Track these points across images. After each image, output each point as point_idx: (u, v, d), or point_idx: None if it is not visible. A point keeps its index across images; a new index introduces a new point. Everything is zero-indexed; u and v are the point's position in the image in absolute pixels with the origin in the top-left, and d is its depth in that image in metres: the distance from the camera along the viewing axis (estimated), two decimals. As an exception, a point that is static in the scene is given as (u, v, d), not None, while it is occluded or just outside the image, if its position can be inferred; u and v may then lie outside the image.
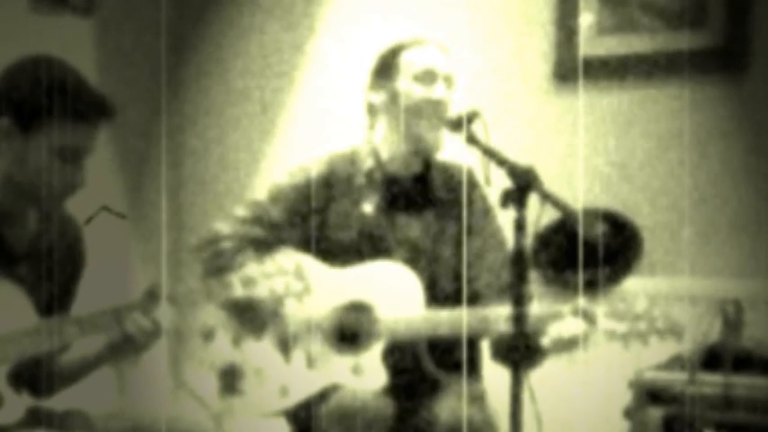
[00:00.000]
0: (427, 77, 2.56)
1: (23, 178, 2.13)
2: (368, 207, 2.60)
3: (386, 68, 2.62)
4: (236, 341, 2.56)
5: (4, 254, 2.17)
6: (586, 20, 3.49)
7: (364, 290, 2.53)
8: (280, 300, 2.28)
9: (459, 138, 2.39)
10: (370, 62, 2.68)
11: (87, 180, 2.17)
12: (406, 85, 2.57)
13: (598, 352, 2.36)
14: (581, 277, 3.15)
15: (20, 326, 2.12)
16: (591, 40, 3.49)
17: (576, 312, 2.33)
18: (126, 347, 2.18)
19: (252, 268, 2.23)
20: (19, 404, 2.14)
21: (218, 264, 2.56)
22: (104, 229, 3.54)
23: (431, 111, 2.54)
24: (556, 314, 2.34)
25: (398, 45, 2.64)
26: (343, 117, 3.78)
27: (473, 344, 2.56)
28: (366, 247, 2.57)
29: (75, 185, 2.16)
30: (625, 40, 3.46)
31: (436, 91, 2.56)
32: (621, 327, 2.30)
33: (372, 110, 2.65)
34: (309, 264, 2.49)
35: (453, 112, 2.48)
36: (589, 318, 2.32)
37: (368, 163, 2.63)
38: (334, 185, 2.63)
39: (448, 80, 2.59)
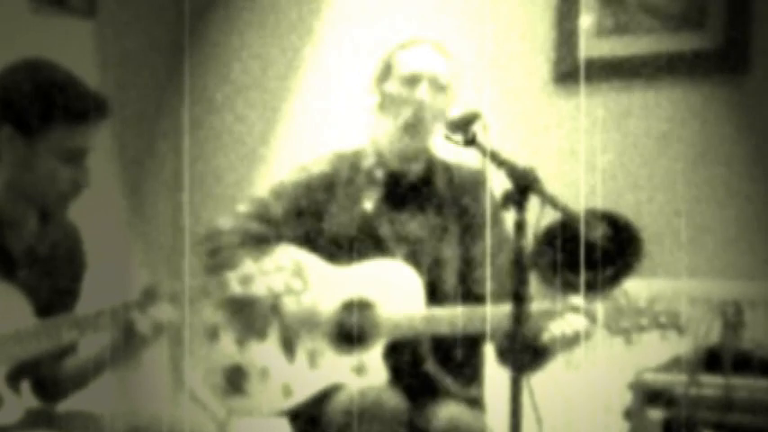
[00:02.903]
0: (411, 79, 2.57)
1: (30, 183, 2.13)
2: (368, 205, 2.61)
3: (382, 71, 2.64)
4: (241, 342, 2.56)
5: (3, 258, 2.17)
6: (587, 21, 3.49)
7: (367, 287, 2.53)
8: (278, 298, 2.28)
9: (460, 139, 2.40)
10: (373, 64, 2.70)
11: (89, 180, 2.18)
12: (393, 86, 2.59)
13: (599, 352, 2.36)
14: (582, 279, 3.15)
15: (18, 327, 2.12)
16: (591, 42, 3.49)
17: (576, 310, 2.34)
18: (127, 348, 2.18)
19: (249, 266, 2.24)
20: (18, 405, 2.14)
21: (217, 259, 2.57)
22: (104, 230, 3.54)
23: (413, 112, 2.54)
24: (557, 311, 2.35)
25: (396, 47, 2.65)
26: (345, 117, 3.79)
27: (475, 346, 2.56)
28: (366, 244, 2.58)
29: (80, 186, 2.17)
30: (625, 41, 3.46)
31: (418, 92, 2.55)
32: (623, 322, 2.31)
33: (373, 111, 2.66)
34: (311, 261, 2.50)
35: (453, 113, 2.48)
36: (590, 316, 2.33)
37: (369, 161, 2.64)
38: (335, 183, 2.64)
39: (434, 83, 2.57)
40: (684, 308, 2.41)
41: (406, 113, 2.55)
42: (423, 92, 2.56)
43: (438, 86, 2.58)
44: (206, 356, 2.59)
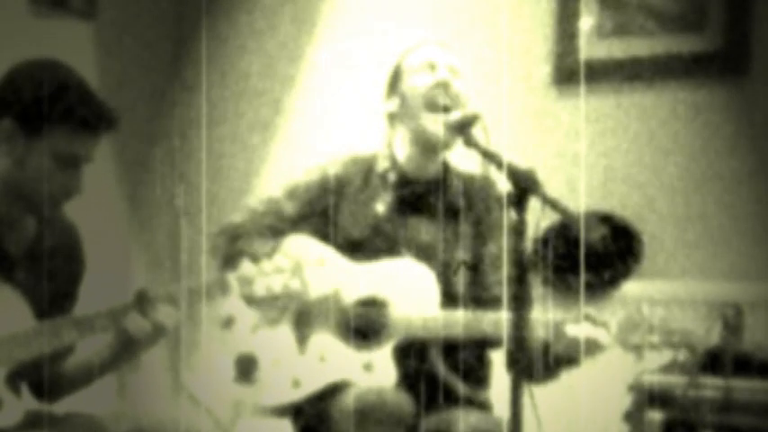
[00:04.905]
0: (428, 67, 2.59)
1: (22, 181, 2.13)
2: (380, 207, 2.61)
3: (394, 78, 2.65)
4: (254, 330, 2.57)
5: (2, 258, 2.17)
6: (587, 23, 3.50)
7: (382, 286, 2.53)
8: (277, 299, 2.28)
9: (460, 141, 2.41)
10: (382, 75, 2.70)
11: (86, 184, 2.18)
12: (411, 82, 2.59)
13: (601, 356, 2.36)
14: (582, 281, 3.15)
15: (18, 329, 2.12)
16: (591, 44, 3.49)
17: (590, 321, 2.34)
18: (128, 350, 2.18)
19: (248, 268, 2.24)
20: (18, 407, 2.14)
21: (234, 249, 2.58)
22: (104, 231, 3.54)
23: (437, 96, 2.54)
24: (569, 321, 2.35)
25: (401, 55, 2.67)
26: (345, 118, 3.79)
27: (485, 350, 2.56)
28: (377, 246, 2.58)
29: (71, 192, 2.16)
30: (626, 43, 3.46)
31: (438, 75, 2.57)
32: (635, 338, 2.30)
33: (390, 119, 2.66)
34: (329, 254, 2.52)
35: (454, 115, 2.48)
36: (604, 326, 2.33)
37: (384, 165, 2.65)
38: (348, 184, 2.65)
39: (451, 68, 2.59)
40: (684, 310, 2.41)
41: (433, 94, 2.55)
42: (444, 73, 2.57)
43: (455, 72, 2.59)
44: (219, 344, 2.60)
